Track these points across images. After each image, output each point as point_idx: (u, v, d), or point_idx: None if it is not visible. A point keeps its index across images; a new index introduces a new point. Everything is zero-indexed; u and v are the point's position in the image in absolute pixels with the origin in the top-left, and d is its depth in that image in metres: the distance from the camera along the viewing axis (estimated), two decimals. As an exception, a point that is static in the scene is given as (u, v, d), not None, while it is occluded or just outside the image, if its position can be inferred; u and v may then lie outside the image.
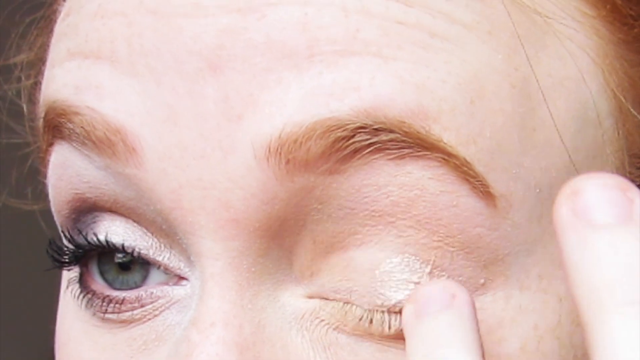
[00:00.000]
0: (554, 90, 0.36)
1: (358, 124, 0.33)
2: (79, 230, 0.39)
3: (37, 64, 0.49)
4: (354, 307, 0.36)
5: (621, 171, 0.39)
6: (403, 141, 0.34)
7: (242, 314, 0.35)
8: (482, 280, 0.35)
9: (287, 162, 0.34)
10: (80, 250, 0.39)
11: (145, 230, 0.38)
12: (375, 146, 0.34)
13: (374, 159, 0.34)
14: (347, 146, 0.34)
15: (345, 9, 0.34)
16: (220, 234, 0.35)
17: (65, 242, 0.40)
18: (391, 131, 0.33)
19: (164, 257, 0.38)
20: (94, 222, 0.39)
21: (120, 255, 0.39)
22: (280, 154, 0.34)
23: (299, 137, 0.34)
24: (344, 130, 0.33)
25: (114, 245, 0.38)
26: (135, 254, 0.38)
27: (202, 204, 0.35)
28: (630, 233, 0.29)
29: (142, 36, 0.35)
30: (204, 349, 0.35)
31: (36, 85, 0.49)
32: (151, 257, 0.38)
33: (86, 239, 0.39)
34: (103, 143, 0.36)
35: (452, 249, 0.35)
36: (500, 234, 0.35)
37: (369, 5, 0.34)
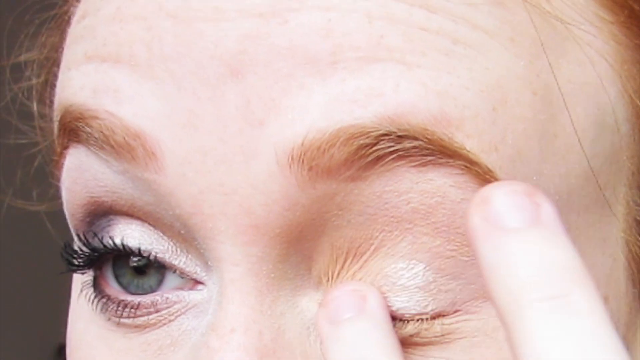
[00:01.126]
0: (574, 96, 0.36)
1: (382, 132, 0.33)
2: (94, 233, 0.39)
3: (47, 65, 0.49)
4: None
5: (637, 177, 0.39)
6: (426, 148, 0.34)
7: (261, 319, 0.35)
8: None
9: (310, 169, 0.34)
10: (96, 254, 0.39)
11: (161, 234, 0.38)
12: (398, 153, 0.34)
13: (397, 165, 0.34)
14: (370, 153, 0.34)
15: (369, 15, 0.34)
16: (241, 240, 0.35)
17: (80, 245, 0.39)
18: (415, 138, 0.33)
19: (180, 261, 0.37)
20: (109, 225, 0.38)
21: (135, 259, 0.38)
22: (303, 160, 0.34)
23: (322, 144, 0.33)
24: (367, 137, 0.33)
25: (130, 248, 0.38)
26: (151, 257, 0.38)
27: (223, 209, 0.35)
28: (539, 235, 0.30)
29: (162, 40, 0.35)
30: (224, 355, 0.34)
31: (46, 85, 0.49)
32: (167, 260, 0.38)
33: (102, 242, 0.38)
34: (122, 148, 0.36)
35: (465, 259, 0.35)
36: None
37: (392, 11, 0.34)
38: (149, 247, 0.38)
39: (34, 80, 0.50)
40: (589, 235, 0.37)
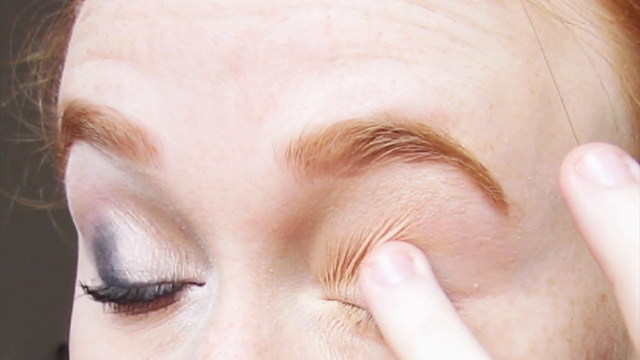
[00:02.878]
0: (573, 95, 0.36)
1: (378, 127, 0.33)
2: (102, 268, 0.39)
3: (53, 63, 0.49)
4: (363, 311, 0.36)
5: None
6: (422, 144, 0.34)
7: (260, 314, 0.35)
8: (475, 285, 0.35)
9: (307, 164, 0.34)
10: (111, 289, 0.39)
11: (162, 243, 0.38)
12: (394, 149, 0.34)
13: (392, 161, 0.34)
14: (367, 148, 0.34)
15: (367, 12, 0.34)
16: (240, 235, 0.35)
17: (96, 287, 0.39)
18: (411, 134, 0.34)
19: (183, 271, 0.38)
20: (114, 247, 0.39)
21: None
22: (300, 155, 0.34)
23: (319, 139, 0.34)
24: (364, 132, 0.34)
25: (142, 284, 0.38)
26: (159, 291, 0.38)
27: (222, 204, 0.35)
28: (635, 193, 0.31)
29: (163, 37, 0.35)
30: (222, 350, 0.35)
31: (52, 84, 0.49)
32: (171, 279, 0.38)
33: (115, 285, 0.38)
34: (123, 143, 0.36)
35: (441, 254, 0.35)
36: (507, 242, 0.35)
37: (390, 8, 0.34)
38: (155, 276, 0.37)
39: (40, 80, 0.50)
40: None
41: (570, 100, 0.36)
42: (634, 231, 0.30)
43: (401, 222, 0.35)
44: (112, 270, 0.38)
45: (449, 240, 0.35)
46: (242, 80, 0.34)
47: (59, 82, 0.41)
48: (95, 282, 0.39)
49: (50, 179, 0.52)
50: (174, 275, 0.37)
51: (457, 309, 0.35)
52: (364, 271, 0.35)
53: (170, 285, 0.38)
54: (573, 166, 0.31)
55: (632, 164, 0.31)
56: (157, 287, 0.37)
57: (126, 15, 0.36)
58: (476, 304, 0.35)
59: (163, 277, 0.37)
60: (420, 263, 0.34)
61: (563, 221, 0.36)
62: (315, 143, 0.34)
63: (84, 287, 0.39)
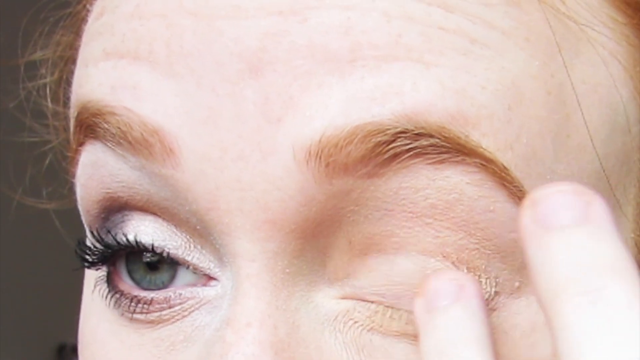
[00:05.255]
0: (587, 96, 0.36)
1: (399, 129, 0.34)
2: (107, 229, 0.39)
3: (61, 63, 0.49)
4: (390, 309, 0.36)
5: None
6: (443, 146, 0.34)
7: (277, 314, 0.35)
8: (517, 284, 0.35)
9: (327, 165, 0.34)
10: (109, 250, 0.39)
11: (175, 230, 0.38)
12: (415, 151, 0.34)
13: (413, 163, 0.34)
14: (387, 150, 0.34)
15: (387, 14, 0.34)
16: (257, 235, 0.35)
17: (93, 241, 0.40)
18: (431, 136, 0.34)
19: (194, 257, 0.38)
20: (123, 221, 0.39)
21: (148, 254, 0.39)
22: (320, 157, 0.34)
23: (340, 141, 0.34)
24: (384, 134, 0.34)
25: (143, 245, 0.38)
26: (164, 254, 0.38)
27: (240, 205, 0.35)
28: (585, 231, 0.30)
29: (182, 38, 0.35)
30: (239, 349, 0.35)
31: (59, 84, 0.49)
32: (180, 256, 0.38)
33: (115, 239, 0.39)
34: (140, 143, 0.36)
35: (488, 252, 0.35)
36: None
37: (410, 10, 0.34)
38: (162, 244, 0.38)
39: (47, 79, 0.50)
40: None
41: (585, 101, 0.36)
42: (566, 272, 0.29)
43: (435, 219, 0.35)
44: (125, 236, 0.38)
45: (489, 237, 0.35)
46: (261, 81, 0.34)
47: (68, 82, 0.41)
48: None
49: (53, 178, 0.52)
50: (184, 252, 0.38)
51: (492, 310, 0.35)
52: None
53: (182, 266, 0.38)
54: (527, 209, 0.31)
55: (595, 200, 0.31)
56: (167, 255, 0.38)
57: (144, 15, 0.36)
58: (512, 304, 0.35)
59: (175, 251, 0.38)
60: (471, 287, 0.34)
61: None
62: (336, 145, 0.34)
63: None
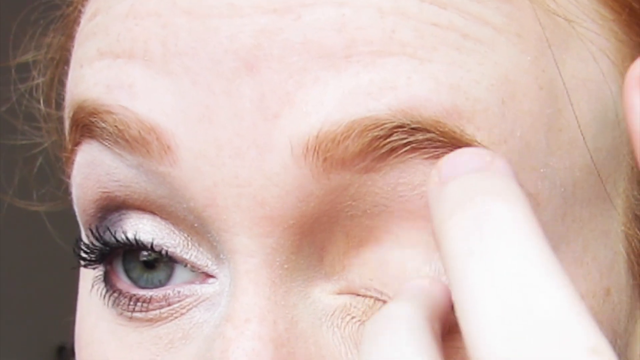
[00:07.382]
0: (578, 91, 0.37)
1: (395, 123, 0.34)
2: (106, 227, 0.39)
3: (52, 65, 0.49)
4: (379, 302, 0.36)
5: (636, 172, 0.40)
6: (439, 141, 0.34)
7: (276, 310, 0.35)
8: None
9: (324, 160, 0.34)
10: (107, 248, 0.39)
11: (173, 228, 0.38)
12: (411, 145, 0.34)
13: (410, 158, 0.35)
14: (384, 145, 0.34)
15: (381, 10, 0.34)
16: (255, 231, 0.35)
17: (91, 239, 0.40)
18: (427, 131, 0.34)
19: (192, 254, 0.38)
20: (121, 219, 0.39)
21: (145, 253, 0.39)
22: (317, 152, 0.34)
23: (337, 136, 0.34)
24: (381, 129, 0.34)
25: (142, 243, 0.38)
26: (163, 252, 0.38)
27: (237, 201, 0.35)
28: (480, 175, 0.31)
29: (177, 36, 0.35)
30: (239, 344, 0.35)
31: (51, 86, 0.49)
32: (178, 254, 0.38)
33: (114, 237, 0.39)
34: (137, 142, 0.36)
35: None
36: None
37: (404, 6, 0.34)
38: (161, 242, 0.38)
39: (39, 80, 0.50)
40: (591, 227, 0.38)
41: (576, 96, 0.37)
42: (451, 201, 0.30)
43: (428, 220, 0.35)
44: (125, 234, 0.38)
45: None
46: (257, 78, 0.35)
47: (60, 84, 0.41)
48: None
49: (45, 180, 0.52)
50: (182, 250, 0.38)
51: None
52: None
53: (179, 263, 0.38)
54: (435, 176, 0.32)
55: (496, 158, 0.31)
56: (164, 252, 0.38)
57: (138, 15, 0.36)
58: None
59: (173, 249, 0.38)
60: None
61: (572, 213, 0.37)
62: (333, 140, 0.34)
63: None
